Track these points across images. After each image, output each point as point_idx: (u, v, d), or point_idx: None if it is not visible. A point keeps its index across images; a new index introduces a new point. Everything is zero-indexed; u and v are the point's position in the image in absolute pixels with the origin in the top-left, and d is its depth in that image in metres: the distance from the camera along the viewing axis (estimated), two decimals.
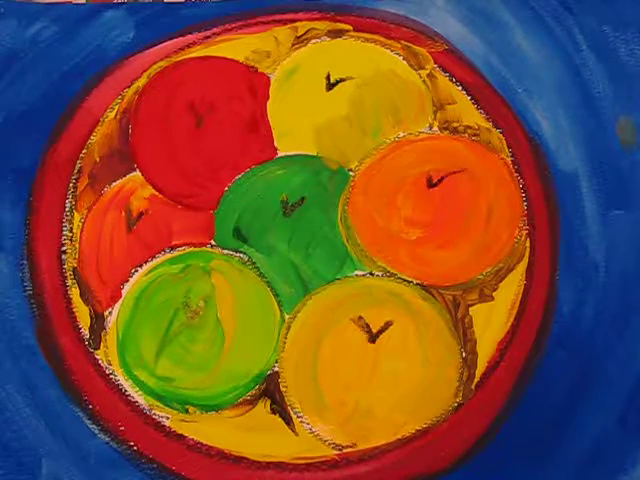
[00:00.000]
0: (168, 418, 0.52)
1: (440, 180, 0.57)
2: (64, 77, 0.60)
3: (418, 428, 0.51)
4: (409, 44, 0.62)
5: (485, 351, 0.53)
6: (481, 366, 0.52)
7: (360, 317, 0.53)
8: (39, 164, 0.58)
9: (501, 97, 0.60)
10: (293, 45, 0.62)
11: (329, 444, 0.51)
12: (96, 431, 0.51)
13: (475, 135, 0.59)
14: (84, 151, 0.58)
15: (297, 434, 0.51)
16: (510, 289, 0.54)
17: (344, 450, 0.51)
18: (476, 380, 0.52)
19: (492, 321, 0.53)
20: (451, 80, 0.60)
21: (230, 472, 0.51)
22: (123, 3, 0.62)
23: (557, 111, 0.59)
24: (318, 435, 0.51)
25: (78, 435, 0.51)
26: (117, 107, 0.59)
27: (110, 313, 0.54)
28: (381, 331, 0.53)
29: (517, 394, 0.52)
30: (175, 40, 0.62)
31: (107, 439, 0.51)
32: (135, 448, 0.51)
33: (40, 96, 0.59)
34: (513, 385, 0.52)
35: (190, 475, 0.51)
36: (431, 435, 0.51)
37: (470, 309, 0.54)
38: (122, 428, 0.51)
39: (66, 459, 0.51)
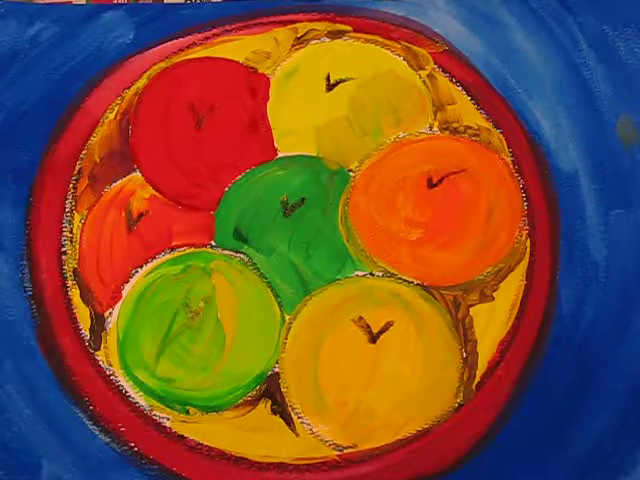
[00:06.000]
0: (169, 419, 0.52)
1: (440, 180, 0.57)
2: (64, 78, 0.60)
3: (419, 429, 0.51)
4: (409, 45, 0.61)
5: (486, 351, 0.53)
6: (482, 366, 0.52)
7: (360, 317, 0.53)
8: (39, 165, 0.57)
9: (501, 97, 0.60)
10: (293, 46, 0.61)
11: (330, 445, 0.51)
12: (96, 432, 0.51)
13: (475, 135, 0.59)
14: (84, 152, 0.58)
15: (298, 435, 0.51)
16: (510, 289, 0.54)
17: (345, 451, 0.51)
18: (477, 380, 0.52)
19: (493, 321, 0.53)
20: (451, 80, 0.60)
21: (231, 473, 0.51)
22: (123, 4, 0.62)
23: (557, 111, 0.59)
24: (319, 436, 0.51)
25: (78, 436, 0.51)
26: (117, 108, 0.59)
27: (110, 314, 0.54)
28: (382, 332, 0.53)
29: (518, 394, 0.52)
30: (175, 41, 0.61)
31: (107, 440, 0.51)
32: (136, 449, 0.51)
33: (40, 97, 0.59)
34: (514, 385, 0.52)
35: (191, 476, 0.50)
36: (432, 436, 0.51)
37: (470, 309, 0.54)
38: (123, 429, 0.51)
39: (66, 460, 0.51)
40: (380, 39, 0.62)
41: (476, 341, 0.53)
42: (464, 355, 0.53)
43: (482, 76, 0.61)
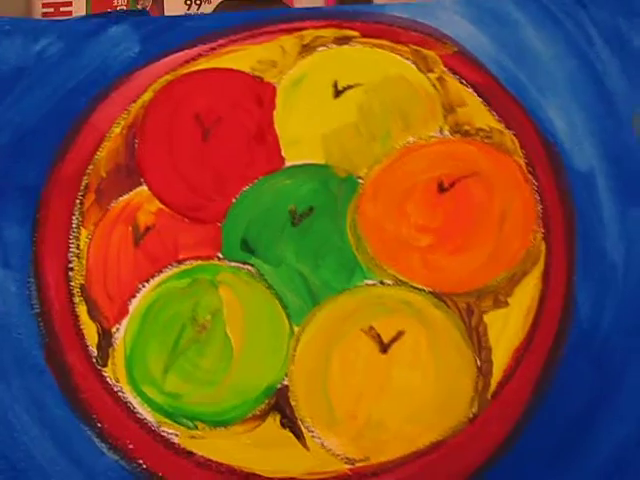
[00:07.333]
0: (177, 435, 0.51)
1: (451, 185, 0.56)
2: (70, 93, 0.60)
3: (433, 440, 0.50)
4: (418, 48, 0.60)
5: (501, 359, 0.51)
6: (497, 375, 0.51)
7: (371, 327, 0.52)
8: (46, 180, 0.57)
9: (513, 97, 0.58)
10: (299, 54, 0.60)
11: (341, 458, 0.50)
12: (105, 449, 0.50)
13: (487, 137, 0.57)
14: (91, 167, 0.57)
15: (308, 449, 0.50)
16: (526, 294, 0.52)
17: (357, 464, 0.50)
18: (492, 389, 0.50)
19: (508, 328, 0.52)
20: (461, 82, 0.59)
21: None
22: (127, 18, 0.62)
23: (571, 108, 0.57)
24: (330, 449, 0.50)
25: (87, 454, 0.51)
26: (123, 122, 0.59)
27: (117, 329, 0.53)
28: (393, 341, 0.52)
29: (535, 402, 0.50)
30: (180, 53, 0.61)
31: (116, 457, 0.50)
32: (144, 466, 0.50)
33: (47, 112, 0.59)
34: (531, 393, 0.50)
35: None
36: (446, 447, 0.49)
37: (484, 316, 0.52)
38: (131, 446, 0.51)
39: (75, 478, 0.50)
40: (388, 43, 0.60)
41: (490, 349, 0.51)
42: (478, 363, 0.51)
43: (493, 76, 0.59)
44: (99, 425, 0.51)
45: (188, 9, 0.65)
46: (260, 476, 0.50)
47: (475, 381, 0.51)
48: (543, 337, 0.51)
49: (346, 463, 0.49)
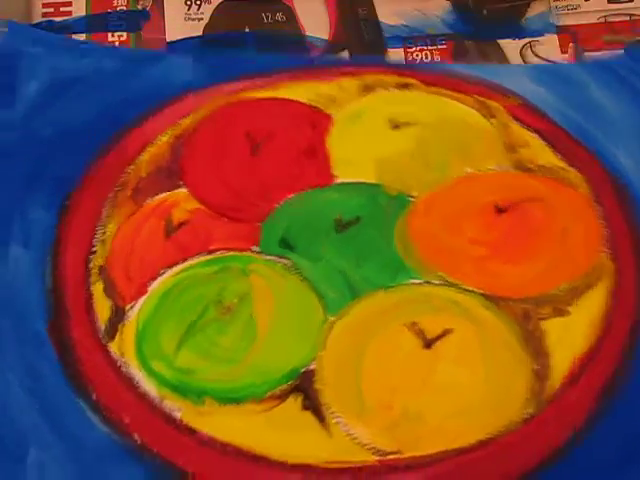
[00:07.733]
0: (180, 410, 0.44)
1: (510, 207, 0.52)
2: (121, 104, 0.59)
3: (481, 438, 0.42)
4: (481, 98, 0.59)
5: (560, 364, 0.44)
6: (555, 380, 0.44)
7: (414, 323, 0.46)
8: (82, 174, 0.55)
9: (578, 142, 0.56)
10: (359, 93, 0.60)
11: (369, 449, 0.42)
12: (96, 422, 0.43)
13: (550, 173, 0.54)
14: (131, 167, 0.55)
15: (331, 435, 0.42)
16: (591, 306, 0.47)
17: (387, 456, 0.42)
18: (549, 393, 0.43)
19: (569, 335, 0.46)
20: (524, 128, 0.57)
21: (247, 473, 0.42)
22: (190, 51, 0.63)
23: (638, 152, 0.55)
24: (356, 438, 0.42)
25: (76, 425, 0.43)
26: (171, 132, 0.57)
27: (132, 307, 0.48)
28: (438, 338, 0.46)
29: (598, 412, 0.43)
30: (239, 83, 0.60)
31: (108, 430, 0.43)
32: (139, 441, 0.43)
33: (94, 117, 0.58)
34: (593, 402, 0.43)
35: (200, 473, 0.42)
36: (495, 446, 0.42)
37: (543, 322, 0.46)
38: (126, 420, 0.43)
39: (58, 449, 0.43)
40: (450, 92, 0.60)
41: (548, 354, 0.45)
42: (534, 367, 0.44)
43: (558, 125, 0.57)
44: (94, 397, 0.44)
45: (188, 9, 0.65)
46: (271, 460, 0.42)
47: (530, 383, 0.44)
48: (610, 349, 0.45)
49: (374, 454, 0.42)
